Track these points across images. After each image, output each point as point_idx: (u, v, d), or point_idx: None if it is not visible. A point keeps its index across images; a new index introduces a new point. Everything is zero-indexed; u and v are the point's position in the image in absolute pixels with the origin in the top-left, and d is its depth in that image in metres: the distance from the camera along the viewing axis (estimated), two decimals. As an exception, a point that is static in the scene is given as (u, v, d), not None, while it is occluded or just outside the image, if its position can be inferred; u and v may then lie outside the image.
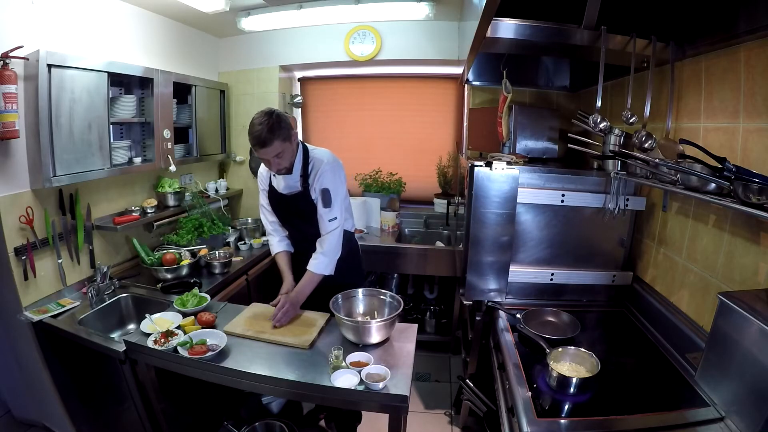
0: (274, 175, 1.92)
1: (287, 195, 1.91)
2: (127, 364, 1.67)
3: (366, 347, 1.59)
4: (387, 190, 3.27)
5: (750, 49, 1.31)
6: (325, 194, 1.84)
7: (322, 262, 1.84)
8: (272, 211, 2.03)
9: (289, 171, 1.85)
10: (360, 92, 3.57)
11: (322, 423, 2.35)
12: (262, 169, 1.98)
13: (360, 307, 1.80)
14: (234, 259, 2.65)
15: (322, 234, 1.87)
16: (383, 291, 1.81)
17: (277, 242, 2.05)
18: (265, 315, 1.79)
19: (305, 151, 1.89)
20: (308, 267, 1.85)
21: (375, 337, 1.60)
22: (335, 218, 1.86)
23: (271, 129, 1.67)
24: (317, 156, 1.89)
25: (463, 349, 2.56)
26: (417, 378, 2.82)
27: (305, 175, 1.86)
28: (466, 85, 3.03)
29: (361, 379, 1.38)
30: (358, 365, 1.45)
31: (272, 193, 1.97)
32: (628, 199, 1.84)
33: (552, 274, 1.97)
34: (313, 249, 1.89)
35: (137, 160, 2.43)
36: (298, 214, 1.94)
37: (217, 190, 3.27)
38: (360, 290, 1.81)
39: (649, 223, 1.90)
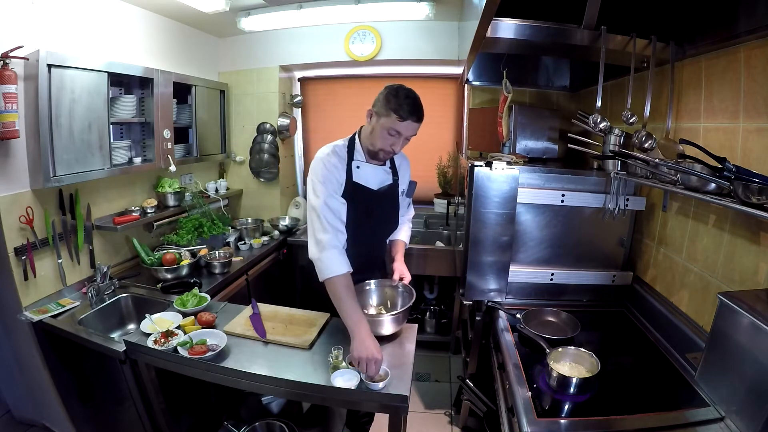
0: (357, 167, 1.70)
1: (379, 191, 1.76)
2: (127, 364, 1.67)
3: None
4: (387, 190, 3.27)
5: (750, 49, 1.31)
6: (412, 185, 1.93)
7: (409, 234, 2.01)
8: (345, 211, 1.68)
9: (384, 161, 1.78)
10: (360, 92, 3.57)
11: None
12: (336, 161, 1.66)
13: (373, 299, 1.78)
14: (234, 259, 2.65)
15: (402, 217, 1.96)
16: (394, 280, 1.76)
17: (342, 259, 1.56)
18: (264, 315, 1.79)
19: None
20: (400, 237, 1.95)
21: (388, 329, 1.60)
22: (410, 204, 2.01)
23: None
24: None
25: (463, 349, 2.57)
26: (417, 378, 2.82)
27: (393, 166, 1.85)
28: (466, 85, 3.03)
29: (361, 379, 1.38)
30: (358, 365, 1.44)
31: (356, 190, 1.70)
32: (628, 199, 1.84)
33: (552, 274, 1.97)
34: (374, 254, 1.93)
35: (137, 160, 2.43)
36: (383, 210, 1.82)
37: (217, 190, 3.27)
38: (372, 282, 1.78)
39: (649, 223, 1.90)
